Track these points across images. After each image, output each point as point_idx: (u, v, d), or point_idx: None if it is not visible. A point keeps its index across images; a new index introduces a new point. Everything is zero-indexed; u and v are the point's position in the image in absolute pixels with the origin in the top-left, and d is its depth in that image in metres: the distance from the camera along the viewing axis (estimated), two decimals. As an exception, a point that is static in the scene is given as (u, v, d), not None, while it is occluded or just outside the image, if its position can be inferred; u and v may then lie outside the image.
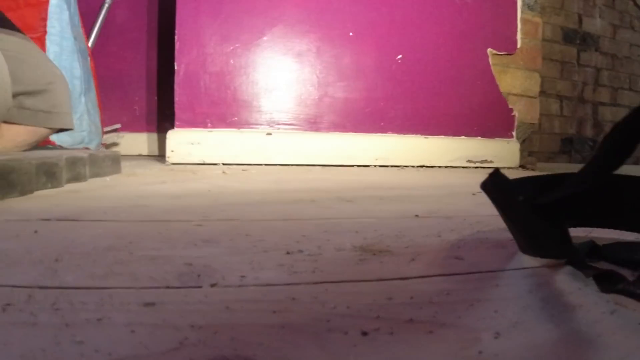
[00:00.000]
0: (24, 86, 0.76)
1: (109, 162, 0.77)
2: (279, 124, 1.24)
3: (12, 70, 0.59)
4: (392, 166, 1.32)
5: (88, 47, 1.18)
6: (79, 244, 0.31)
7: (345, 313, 0.21)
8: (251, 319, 0.20)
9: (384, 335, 0.18)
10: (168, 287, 0.23)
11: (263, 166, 1.16)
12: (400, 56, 1.35)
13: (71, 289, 0.23)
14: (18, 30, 0.83)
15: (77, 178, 0.66)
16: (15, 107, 0.72)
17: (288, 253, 0.30)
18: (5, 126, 0.75)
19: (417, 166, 1.34)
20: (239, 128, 1.20)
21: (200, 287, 0.23)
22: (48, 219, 0.39)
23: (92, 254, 0.29)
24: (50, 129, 0.84)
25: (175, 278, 0.24)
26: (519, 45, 1.48)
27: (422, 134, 1.37)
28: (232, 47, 1.21)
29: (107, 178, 0.74)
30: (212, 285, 0.23)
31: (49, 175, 0.58)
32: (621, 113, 2.64)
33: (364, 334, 0.19)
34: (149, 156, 1.51)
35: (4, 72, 0.56)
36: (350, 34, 1.30)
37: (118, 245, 0.31)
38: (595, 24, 2.50)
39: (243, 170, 1.01)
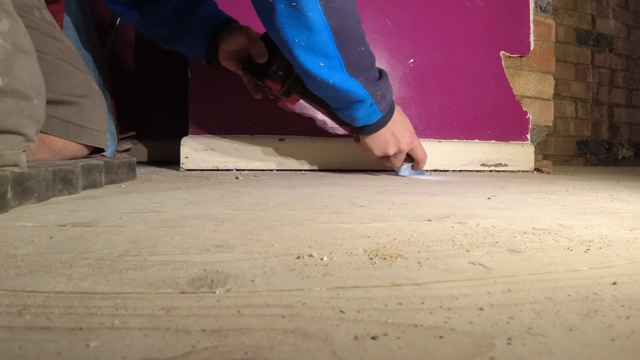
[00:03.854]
0: (56, 95, 0.74)
1: (124, 168, 0.79)
2: (292, 130, 1.24)
3: (45, 76, 0.59)
4: (405, 170, 1.31)
5: (104, 55, 1.19)
6: (94, 250, 0.31)
7: (356, 318, 0.21)
8: (262, 324, 0.20)
9: (393, 340, 0.18)
10: (182, 293, 0.23)
11: (276, 172, 1.16)
12: (412, 60, 1.35)
13: (86, 294, 0.23)
14: (66, 37, 0.82)
15: (93, 185, 0.67)
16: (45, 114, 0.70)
17: (299, 258, 0.30)
18: (43, 136, 0.73)
19: (431, 170, 1.34)
20: (252, 134, 1.21)
21: (213, 292, 0.23)
22: (64, 225, 0.39)
23: (107, 259, 0.29)
24: (82, 145, 0.81)
25: (188, 283, 0.25)
26: (532, 48, 1.47)
27: (435, 138, 1.37)
28: (244, 54, 1.21)
29: (123, 184, 0.75)
30: (225, 291, 0.24)
31: (65, 182, 0.59)
32: (637, 114, 2.61)
33: (374, 338, 0.19)
34: (164, 162, 1.52)
35: (39, 78, 0.56)
36: (362, 38, 1.30)
37: (133, 250, 0.32)
38: (609, 25, 2.47)
39: (255, 176, 1.01)
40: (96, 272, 0.27)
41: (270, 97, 1.07)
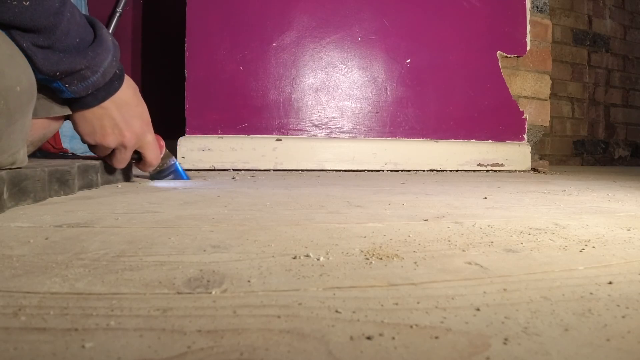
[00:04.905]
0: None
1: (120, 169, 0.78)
2: (288, 130, 1.24)
3: None
4: (402, 170, 1.31)
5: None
6: (90, 250, 0.31)
7: (352, 318, 0.21)
8: (258, 324, 0.20)
9: (388, 340, 0.18)
10: (178, 293, 0.23)
11: (273, 172, 1.16)
12: (409, 60, 1.35)
13: (82, 294, 0.23)
14: None
15: (89, 185, 0.67)
16: None
17: (295, 258, 0.30)
18: None
19: (428, 170, 1.34)
20: (249, 134, 1.21)
21: (209, 292, 0.23)
22: (60, 226, 0.39)
23: (103, 259, 0.29)
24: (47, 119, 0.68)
25: (184, 284, 0.25)
26: (528, 48, 1.48)
27: (432, 138, 1.37)
28: (241, 54, 1.22)
29: (119, 185, 0.74)
30: (222, 291, 0.24)
31: (62, 182, 0.59)
32: (634, 114, 2.62)
33: (369, 338, 0.19)
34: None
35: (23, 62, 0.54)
36: (359, 39, 1.30)
37: (129, 251, 0.32)
38: (605, 25, 2.48)
39: (252, 176, 1.01)
40: (92, 273, 0.27)
41: None
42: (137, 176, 0.86)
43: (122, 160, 0.75)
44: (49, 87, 0.63)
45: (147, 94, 1.59)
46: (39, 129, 0.67)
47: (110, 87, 0.68)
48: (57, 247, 0.32)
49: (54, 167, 0.58)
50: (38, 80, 0.59)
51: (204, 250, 0.32)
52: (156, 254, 0.31)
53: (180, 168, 0.89)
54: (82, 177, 0.66)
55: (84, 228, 0.39)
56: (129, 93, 0.71)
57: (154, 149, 0.78)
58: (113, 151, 0.74)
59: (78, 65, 0.61)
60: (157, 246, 0.33)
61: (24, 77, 0.54)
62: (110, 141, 0.71)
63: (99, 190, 0.67)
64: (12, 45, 0.54)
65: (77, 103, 0.66)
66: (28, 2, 0.53)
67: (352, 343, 0.18)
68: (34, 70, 0.57)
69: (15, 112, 0.52)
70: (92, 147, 0.73)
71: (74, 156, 0.97)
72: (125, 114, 0.71)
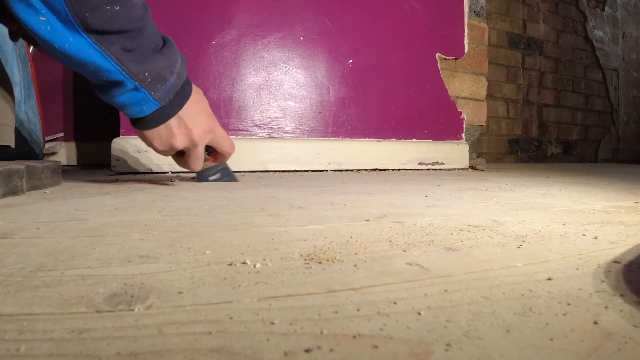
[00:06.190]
0: None
1: (48, 173, 0.73)
2: (230, 130, 1.21)
3: None
4: (346, 170, 1.32)
5: (29, 52, 1.12)
6: (5, 265, 0.28)
7: (288, 331, 0.19)
8: (184, 344, 0.18)
9: (326, 353, 0.17)
10: (97, 312, 0.21)
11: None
12: (351, 61, 1.36)
13: (-16, 317, 0.20)
14: None
15: (13, 192, 0.62)
16: None
17: (232, 265, 0.29)
18: None
19: (371, 169, 1.35)
20: (188, 135, 1.17)
21: (132, 310, 0.21)
22: (-30, 238, 0.36)
23: (18, 275, 0.26)
24: None
25: (105, 300, 0.23)
26: (466, 50, 1.52)
27: (374, 138, 1.38)
28: (180, 51, 1.17)
29: (47, 190, 0.69)
30: (146, 308, 0.22)
31: (-22, 189, 0.54)
32: (565, 114, 2.76)
33: (307, 351, 0.17)
34: (95, 166, 1.45)
35: None
36: (301, 38, 1.29)
37: (49, 264, 0.29)
38: (539, 29, 2.61)
39: (192, 177, 0.98)
40: (4, 291, 0.24)
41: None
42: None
43: (196, 160, 0.76)
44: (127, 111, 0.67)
45: (80, 93, 1.51)
46: None
47: (182, 96, 0.69)
48: (-37, 263, 0.29)
49: (-32, 173, 0.53)
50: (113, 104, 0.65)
51: (130, 261, 0.29)
52: (78, 267, 0.28)
53: (229, 167, 0.86)
54: (5, 183, 0.61)
55: (2, 240, 0.35)
56: (192, 94, 0.71)
57: (226, 138, 0.78)
58: (184, 153, 0.75)
59: (160, 64, 0.64)
60: (80, 258, 0.30)
61: None
62: (179, 142, 0.71)
63: (24, 196, 0.62)
64: None
65: (152, 119, 0.68)
66: (118, 7, 0.57)
67: (287, 359, 0.17)
68: (122, 82, 0.62)
69: None
70: (161, 151, 0.73)
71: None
72: (191, 113, 0.71)
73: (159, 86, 0.65)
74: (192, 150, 0.74)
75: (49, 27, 0.55)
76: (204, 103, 0.74)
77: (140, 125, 0.69)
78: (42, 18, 0.54)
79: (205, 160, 0.81)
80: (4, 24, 0.67)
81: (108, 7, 0.56)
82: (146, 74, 0.63)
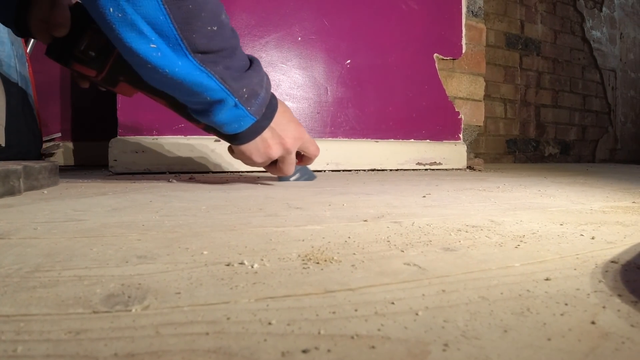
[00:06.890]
0: None
1: (45, 173, 0.73)
2: (228, 131, 1.21)
3: None
4: (344, 170, 1.32)
5: (26, 52, 1.11)
6: (2, 266, 0.28)
7: (285, 331, 0.19)
8: (181, 345, 0.18)
9: (323, 354, 0.17)
10: (94, 312, 0.21)
11: (211, 174, 1.13)
12: (349, 61, 1.36)
13: (-18, 318, 0.20)
14: None
15: (10, 192, 0.62)
16: None
17: (229, 265, 0.29)
18: None
19: (369, 170, 1.35)
20: (186, 135, 1.16)
21: (129, 310, 0.21)
22: (-33, 239, 0.35)
23: (15, 275, 0.26)
24: None
25: (103, 301, 0.22)
26: (464, 51, 1.52)
27: (372, 138, 1.38)
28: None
29: (44, 191, 0.69)
30: (143, 308, 0.22)
31: (-25, 190, 0.54)
32: (562, 114, 2.77)
33: (304, 352, 0.17)
34: (92, 166, 1.44)
35: None
36: (299, 38, 1.29)
37: (46, 265, 0.29)
38: (537, 30, 2.61)
39: (192, 178, 0.98)
40: (1, 291, 0.24)
41: (100, 88, 0.77)
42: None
43: (290, 165, 0.79)
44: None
45: (78, 93, 1.51)
46: None
47: (272, 109, 0.73)
48: (-40, 264, 0.29)
49: (-35, 174, 0.53)
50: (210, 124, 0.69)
51: (127, 262, 0.29)
52: (75, 267, 0.28)
53: (307, 167, 0.88)
54: (2, 184, 0.61)
55: (-3, 240, 0.35)
56: (279, 106, 0.75)
57: (312, 142, 0.82)
58: (276, 160, 0.79)
59: (253, 79, 0.67)
60: (77, 258, 0.30)
61: None
62: (275, 151, 0.75)
63: (21, 197, 0.62)
64: None
65: (248, 133, 0.71)
66: (216, 27, 0.60)
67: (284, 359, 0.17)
68: (223, 100, 0.65)
69: None
70: (259, 164, 0.77)
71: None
72: (281, 123, 0.74)
73: (253, 101, 0.68)
74: (286, 157, 0.78)
75: (159, 54, 0.57)
76: (290, 112, 0.78)
77: (237, 141, 0.72)
78: (152, 45, 0.57)
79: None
80: (82, 73, 0.70)
81: (209, 28, 0.59)
82: (244, 90, 0.66)
